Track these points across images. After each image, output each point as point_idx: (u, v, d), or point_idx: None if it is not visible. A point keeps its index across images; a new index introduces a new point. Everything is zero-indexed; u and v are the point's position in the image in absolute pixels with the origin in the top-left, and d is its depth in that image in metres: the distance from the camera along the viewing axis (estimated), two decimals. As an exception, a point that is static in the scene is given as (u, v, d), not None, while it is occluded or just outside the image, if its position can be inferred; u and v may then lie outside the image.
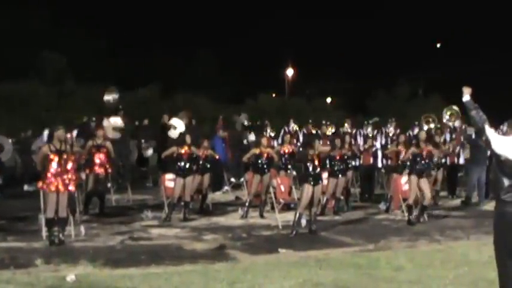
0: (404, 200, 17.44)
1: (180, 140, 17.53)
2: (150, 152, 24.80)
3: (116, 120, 22.35)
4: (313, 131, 24.40)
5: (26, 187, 21.88)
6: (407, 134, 21.81)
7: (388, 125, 23.44)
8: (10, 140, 22.58)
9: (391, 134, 22.66)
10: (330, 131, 23.69)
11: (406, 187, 17.77)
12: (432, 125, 20.14)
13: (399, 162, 18.51)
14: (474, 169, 20.68)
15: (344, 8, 65.02)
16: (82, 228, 14.49)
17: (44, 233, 13.71)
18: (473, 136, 20.52)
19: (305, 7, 65.94)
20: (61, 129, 13.56)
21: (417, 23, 62.34)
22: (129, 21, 59.98)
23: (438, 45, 67.13)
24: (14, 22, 53.01)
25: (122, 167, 21.95)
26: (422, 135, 17.22)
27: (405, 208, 17.10)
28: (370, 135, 22.44)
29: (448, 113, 17.09)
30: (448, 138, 21.70)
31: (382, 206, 18.91)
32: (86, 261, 11.66)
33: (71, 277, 10.14)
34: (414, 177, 16.62)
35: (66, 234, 13.57)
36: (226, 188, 22.54)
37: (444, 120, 17.86)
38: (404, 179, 17.95)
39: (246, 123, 25.35)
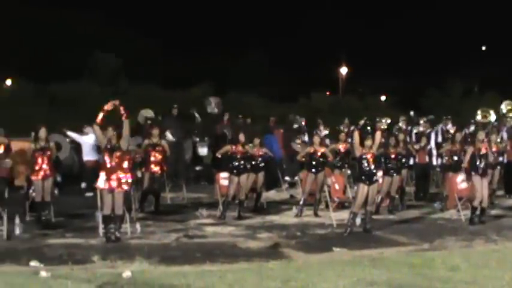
0: (460, 199, 17.28)
1: (235, 139, 17.61)
2: (204, 150, 24.93)
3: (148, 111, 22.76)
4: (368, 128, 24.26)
5: (83, 185, 22.14)
6: (463, 132, 21.52)
7: (444, 123, 23.18)
8: (67, 139, 22.88)
9: (451, 131, 22.35)
10: (385, 124, 23.52)
11: (461, 186, 17.59)
12: (492, 118, 19.76)
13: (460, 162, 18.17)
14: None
15: (397, 7, 64.51)
16: (138, 226, 14.66)
17: (101, 230, 13.91)
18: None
19: (358, 6, 65.61)
20: (110, 129, 13.73)
21: (469, 21, 61.59)
22: (182, 20, 60.36)
23: (484, 48, 66.51)
24: (68, 24, 53.64)
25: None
26: (481, 135, 16.79)
27: (461, 207, 16.94)
28: (424, 133, 22.22)
29: (509, 107, 16.78)
30: (505, 137, 21.33)
31: (437, 205, 18.73)
32: (141, 258, 11.78)
33: (126, 274, 10.25)
34: (477, 177, 16.30)
35: (122, 232, 13.76)
36: (286, 185, 22.57)
37: (504, 111, 17.50)
38: (460, 177, 17.75)
39: (302, 124, 25.37)
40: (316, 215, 17.36)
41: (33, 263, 11.25)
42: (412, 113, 26.90)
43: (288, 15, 64.13)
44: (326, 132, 24.71)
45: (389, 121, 23.88)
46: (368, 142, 14.91)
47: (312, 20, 63.07)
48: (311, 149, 17.65)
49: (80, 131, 22.75)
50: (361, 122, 23.52)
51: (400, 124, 23.98)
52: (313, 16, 64.02)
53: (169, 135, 23.02)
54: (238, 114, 26.79)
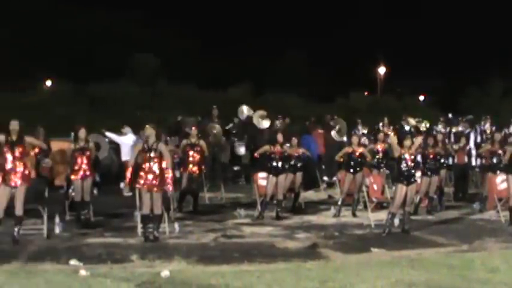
0: (500, 200, 17.12)
1: (273, 139, 17.61)
2: (242, 150, 24.98)
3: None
4: (407, 128, 24.17)
5: (122, 185, 22.29)
6: (503, 132, 21.32)
7: (483, 123, 23.01)
8: (106, 139, 23.05)
9: (488, 131, 22.18)
10: (424, 126, 23.41)
11: (501, 186, 17.41)
12: None
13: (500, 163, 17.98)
14: None
15: (435, 5, 64.08)
16: (176, 226, 14.72)
17: (140, 229, 13.99)
18: None
19: (396, 5, 65.26)
20: (147, 127, 13.81)
21: (510, 19, 60.98)
22: (220, 20, 60.46)
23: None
24: (107, 25, 54.04)
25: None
26: None
27: (500, 208, 16.79)
28: (463, 133, 22.07)
29: None
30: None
31: (477, 206, 18.56)
32: (179, 257, 11.83)
33: (165, 273, 10.31)
34: None
35: (160, 231, 13.81)
36: (324, 185, 22.56)
37: None
38: (499, 178, 17.58)
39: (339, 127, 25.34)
40: (354, 215, 17.33)
41: (72, 262, 11.34)
42: (450, 115, 26.75)
43: (327, 15, 64.09)
44: (364, 131, 24.65)
45: (428, 125, 23.76)
46: (407, 142, 14.84)
47: (350, 20, 62.96)
48: (349, 149, 17.62)
49: (119, 131, 22.92)
50: (413, 122, 23.50)
51: (439, 127, 23.85)
52: (351, 16, 63.91)
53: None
54: (277, 114, 26.78)
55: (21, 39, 52.18)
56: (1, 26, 51.59)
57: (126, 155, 21.53)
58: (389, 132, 22.90)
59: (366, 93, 57.70)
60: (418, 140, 15.27)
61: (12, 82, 47.40)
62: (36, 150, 17.24)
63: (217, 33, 59.32)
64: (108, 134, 22.71)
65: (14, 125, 13.32)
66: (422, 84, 57.58)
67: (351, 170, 17.31)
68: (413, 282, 9.98)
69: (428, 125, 24.09)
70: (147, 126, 13.83)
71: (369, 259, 12.10)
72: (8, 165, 13.20)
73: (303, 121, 27.87)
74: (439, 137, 18.99)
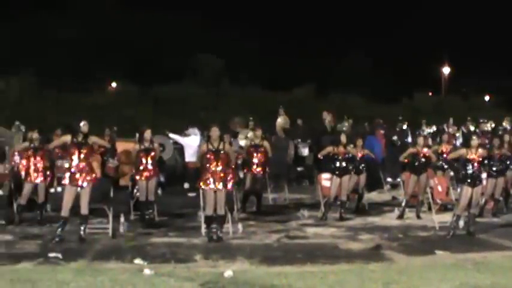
0: None
1: (336, 140, 17.58)
2: (306, 151, 24.98)
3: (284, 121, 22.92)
4: (472, 129, 23.93)
5: (186, 185, 22.50)
6: None
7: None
8: (171, 140, 23.28)
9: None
10: (490, 126, 23.12)
11: None
12: None
13: None
14: None
15: (500, 3, 63.06)
16: (240, 226, 14.78)
17: (203, 229, 14.08)
18: None
19: (459, 4, 64.43)
20: (215, 128, 13.89)
21: None
22: (283, 21, 60.45)
23: None
24: (171, 26, 54.47)
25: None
26: None
27: None
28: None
29: None
30: None
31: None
32: (243, 258, 11.89)
33: (228, 273, 10.34)
34: None
35: (224, 232, 13.88)
36: (387, 187, 22.44)
37: None
38: None
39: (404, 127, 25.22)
40: (418, 217, 17.17)
41: (137, 261, 11.47)
42: None
43: (390, 15, 63.58)
44: (429, 131, 24.45)
45: (493, 125, 23.46)
46: (473, 143, 14.68)
47: (414, 20, 62.32)
48: (414, 150, 17.46)
49: (182, 132, 23.14)
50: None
51: (504, 124, 23.52)
52: (415, 15, 63.26)
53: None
54: (341, 115, 26.72)
55: (87, 41, 52.94)
56: (69, 26, 52.42)
57: (190, 157, 21.70)
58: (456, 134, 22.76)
59: (430, 94, 57.16)
60: (475, 142, 15.03)
61: (78, 83, 48.16)
62: (102, 150, 17.54)
63: (281, 33, 59.34)
64: (171, 135, 22.93)
65: (82, 125, 13.54)
66: (488, 84, 56.70)
67: (415, 171, 17.15)
68: (479, 286, 9.86)
69: (493, 126, 23.78)
70: (213, 127, 13.91)
71: (433, 262, 11.98)
72: (74, 165, 13.41)
73: (367, 122, 27.75)
74: (506, 137, 18.69)
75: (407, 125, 26.23)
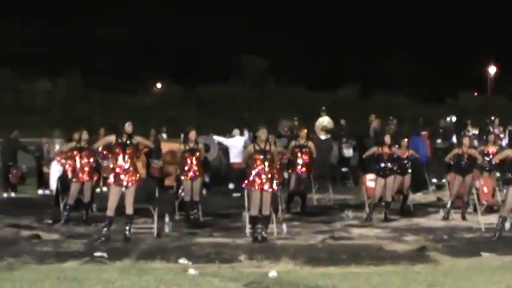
0: None
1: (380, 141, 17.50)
2: (350, 151, 24.90)
3: (324, 120, 22.83)
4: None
5: (230, 186, 22.58)
6: None
7: None
8: (216, 141, 23.36)
9: None
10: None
11: None
12: None
13: None
14: None
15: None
16: (284, 227, 14.79)
17: (248, 230, 14.13)
18: None
19: (505, 2, 63.69)
20: (263, 129, 13.91)
21: None
22: (327, 21, 60.42)
23: None
24: (215, 27, 54.73)
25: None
26: None
27: None
28: None
29: None
30: None
31: None
32: (287, 258, 11.88)
33: (272, 273, 10.35)
34: None
35: (268, 232, 13.89)
36: (432, 188, 22.29)
37: None
38: None
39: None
40: (463, 218, 17.01)
41: (181, 261, 11.54)
42: None
43: (435, 14, 63.15)
44: (475, 132, 24.24)
45: None
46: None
47: (460, 19, 61.81)
48: (459, 151, 17.32)
49: (227, 132, 23.22)
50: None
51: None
52: (461, 14, 62.73)
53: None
54: (385, 115, 26.59)
55: (132, 42, 53.42)
56: (115, 27, 52.91)
57: (234, 157, 21.76)
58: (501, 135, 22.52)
59: (475, 94, 56.67)
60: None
61: (123, 84, 48.63)
62: (146, 150, 17.67)
63: (325, 34, 59.32)
64: (215, 137, 23.02)
65: (127, 126, 13.66)
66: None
67: (461, 172, 17.00)
68: (525, 288, 9.77)
69: None
70: (261, 128, 13.93)
71: (478, 264, 11.87)
72: (119, 166, 13.54)
73: (412, 122, 27.61)
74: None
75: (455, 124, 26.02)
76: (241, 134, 22.65)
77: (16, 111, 46.48)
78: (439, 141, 24.39)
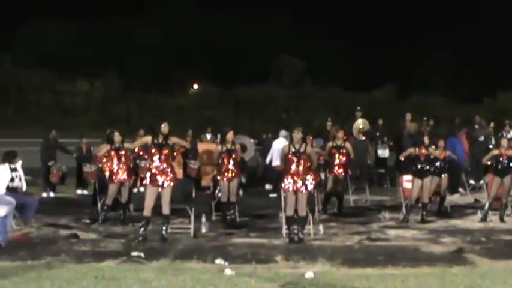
0: None
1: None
2: (387, 152, 24.81)
3: (359, 123, 22.81)
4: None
5: (267, 186, 22.62)
6: None
7: None
8: (252, 141, 23.42)
9: None
10: None
11: None
12: None
13: None
14: None
15: None
16: (321, 228, 14.78)
17: (284, 230, 14.15)
18: None
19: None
20: (297, 130, 13.92)
21: None
22: (365, 22, 60.17)
23: None
24: (252, 28, 54.80)
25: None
26: None
27: None
28: None
29: None
30: None
31: None
32: (324, 259, 11.87)
33: (309, 274, 10.37)
34: None
35: (305, 233, 13.89)
36: (461, 190, 22.14)
37: None
38: None
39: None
40: (502, 220, 16.86)
41: (218, 261, 11.59)
42: None
43: (473, 14, 62.64)
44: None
45: None
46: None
47: (497, 18, 61.21)
48: (497, 152, 17.19)
49: (263, 133, 23.26)
50: None
51: None
52: (498, 14, 62.14)
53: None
54: (422, 115, 26.46)
55: (169, 43, 53.66)
56: (152, 28, 53.19)
57: (275, 160, 21.73)
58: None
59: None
60: None
61: (160, 85, 48.87)
62: (183, 150, 17.76)
63: (362, 34, 59.09)
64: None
65: (163, 126, 13.75)
66: None
67: (499, 174, 16.87)
68: None
69: None
70: (296, 129, 13.95)
71: (517, 266, 11.80)
72: (155, 166, 13.64)
73: (449, 123, 27.43)
74: None
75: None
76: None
77: (55, 112, 46.97)
78: (481, 138, 24.21)
